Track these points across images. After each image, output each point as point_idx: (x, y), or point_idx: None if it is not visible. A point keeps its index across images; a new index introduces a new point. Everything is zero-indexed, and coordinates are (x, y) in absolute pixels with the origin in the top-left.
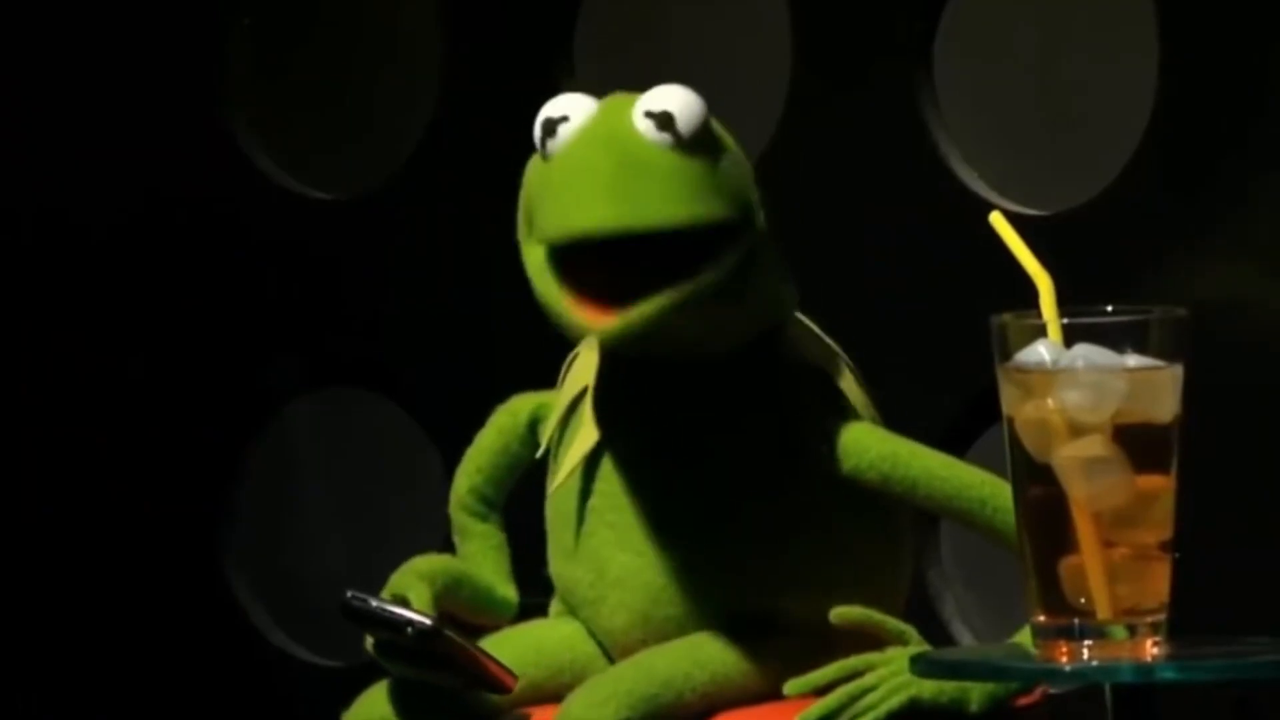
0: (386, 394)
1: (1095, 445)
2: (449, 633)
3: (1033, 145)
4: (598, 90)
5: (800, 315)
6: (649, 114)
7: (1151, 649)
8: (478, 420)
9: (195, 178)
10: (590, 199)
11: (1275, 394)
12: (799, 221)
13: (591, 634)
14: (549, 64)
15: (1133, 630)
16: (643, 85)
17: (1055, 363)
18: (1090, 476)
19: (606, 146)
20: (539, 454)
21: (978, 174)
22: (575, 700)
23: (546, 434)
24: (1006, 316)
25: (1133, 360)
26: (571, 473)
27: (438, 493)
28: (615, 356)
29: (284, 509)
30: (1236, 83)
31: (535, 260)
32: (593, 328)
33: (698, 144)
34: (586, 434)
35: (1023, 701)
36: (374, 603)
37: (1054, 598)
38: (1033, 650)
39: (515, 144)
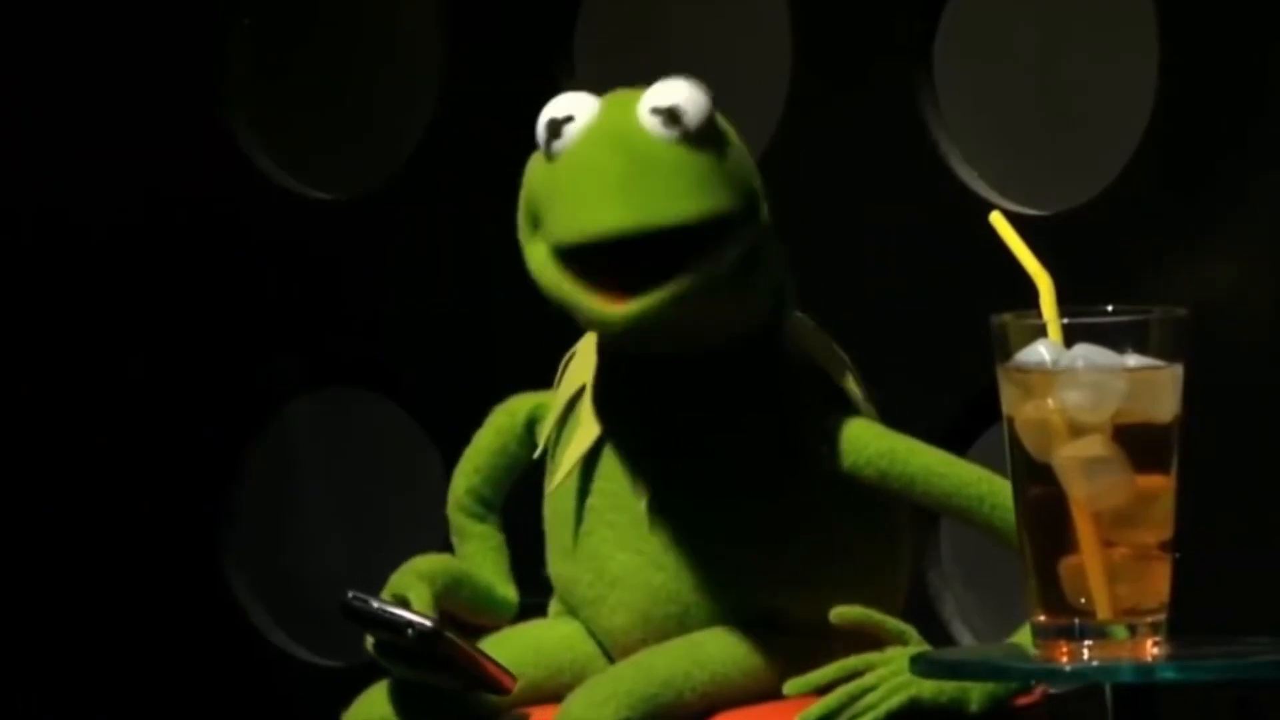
0: (386, 394)
1: (1095, 445)
2: (449, 634)
3: (1033, 145)
4: (598, 90)
5: (799, 313)
6: (655, 110)
7: (1151, 649)
8: (478, 420)
9: (195, 178)
10: (602, 200)
11: (1275, 394)
12: (799, 221)
13: (591, 634)
14: (549, 64)
15: (1133, 630)
16: (643, 85)
17: (1055, 363)
18: (1090, 476)
19: (614, 146)
20: (537, 454)
21: (978, 174)
22: (575, 700)
23: (544, 434)
24: (1006, 316)
25: (1133, 360)
26: (570, 472)
27: (438, 493)
28: (614, 355)
29: (284, 509)
30: (1236, 83)
31: (539, 256)
32: (606, 316)
33: (704, 137)
34: (585, 433)
35: (1023, 701)
36: (374, 603)
37: (1054, 598)
38: (1032, 650)
39: (515, 144)
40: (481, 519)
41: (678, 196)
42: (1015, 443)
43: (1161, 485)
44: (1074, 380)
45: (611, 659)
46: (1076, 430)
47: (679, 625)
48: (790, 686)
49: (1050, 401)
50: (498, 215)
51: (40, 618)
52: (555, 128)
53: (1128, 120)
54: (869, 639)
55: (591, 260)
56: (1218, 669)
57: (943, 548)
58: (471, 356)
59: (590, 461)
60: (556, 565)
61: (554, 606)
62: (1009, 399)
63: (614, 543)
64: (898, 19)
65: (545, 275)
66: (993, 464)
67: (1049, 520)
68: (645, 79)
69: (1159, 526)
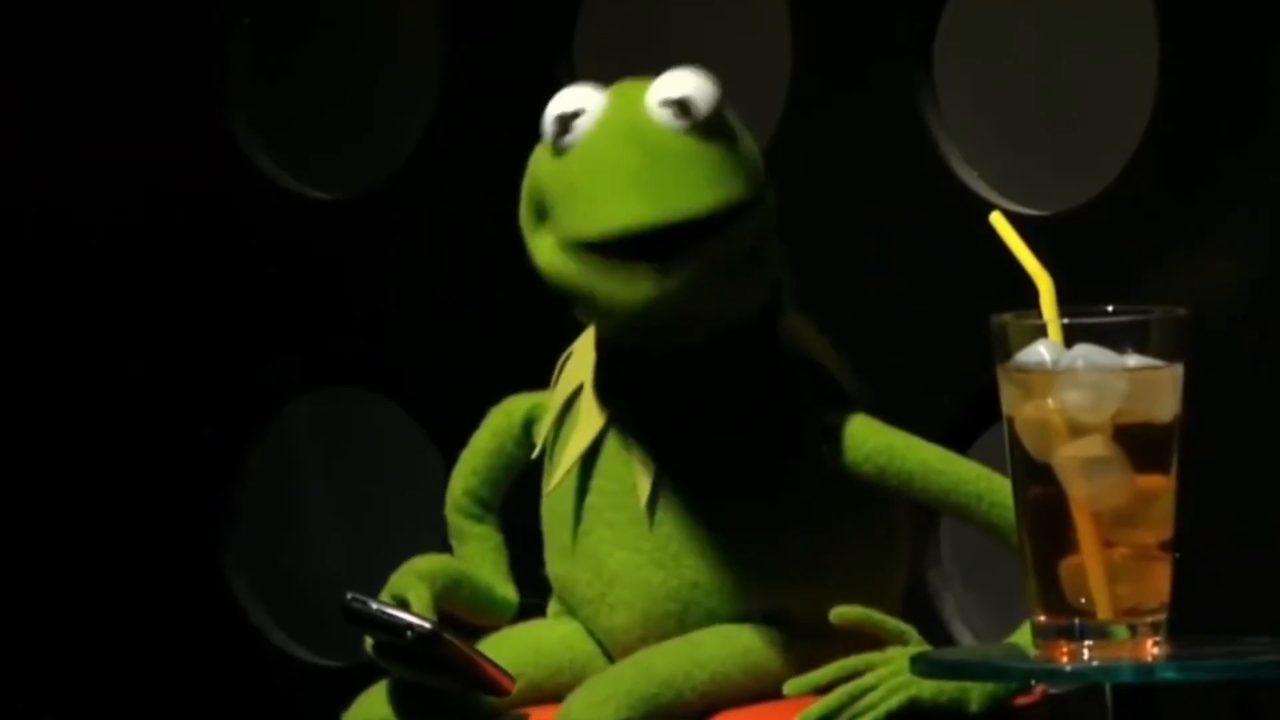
0: (386, 394)
1: (1095, 445)
2: (448, 636)
3: (1033, 145)
4: None
5: (796, 312)
6: (666, 102)
7: (1152, 649)
8: (477, 420)
9: (195, 178)
10: (619, 196)
11: (1275, 394)
12: (799, 221)
13: (590, 633)
14: (549, 64)
15: (1133, 630)
16: (647, 77)
17: (1055, 363)
18: (1090, 476)
19: (627, 140)
20: (535, 455)
21: (978, 174)
22: (575, 700)
23: (542, 434)
24: (1006, 316)
25: (1133, 360)
26: (569, 471)
27: (438, 493)
28: (612, 352)
29: (284, 509)
30: (1236, 83)
31: (546, 247)
32: (623, 301)
33: (714, 126)
34: (583, 432)
35: (1023, 701)
36: (373, 605)
37: (1054, 598)
38: (1032, 650)
39: (515, 144)
40: (480, 520)
41: (693, 188)
42: (1015, 443)
43: (1161, 485)
44: (1074, 380)
45: (611, 658)
46: (1076, 430)
47: (678, 623)
48: (790, 686)
49: (1050, 401)
50: (498, 215)
51: (40, 618)
52: (564, 122)
53: (1128, 120)
54: (869, 639)
55: (606, 252)
56: (1218, 669)
57: (943, 548)
58: (471, 356)
59: (589, 460)
60: (555, 565)
61: (553, 607)
62: (1009, 399)
63: (613, 541)
64: (898, 19)
65: (554, 266)
66: (993, 464)
67: (1049, 520)
68: (645, 79)
69: (1159, 526)
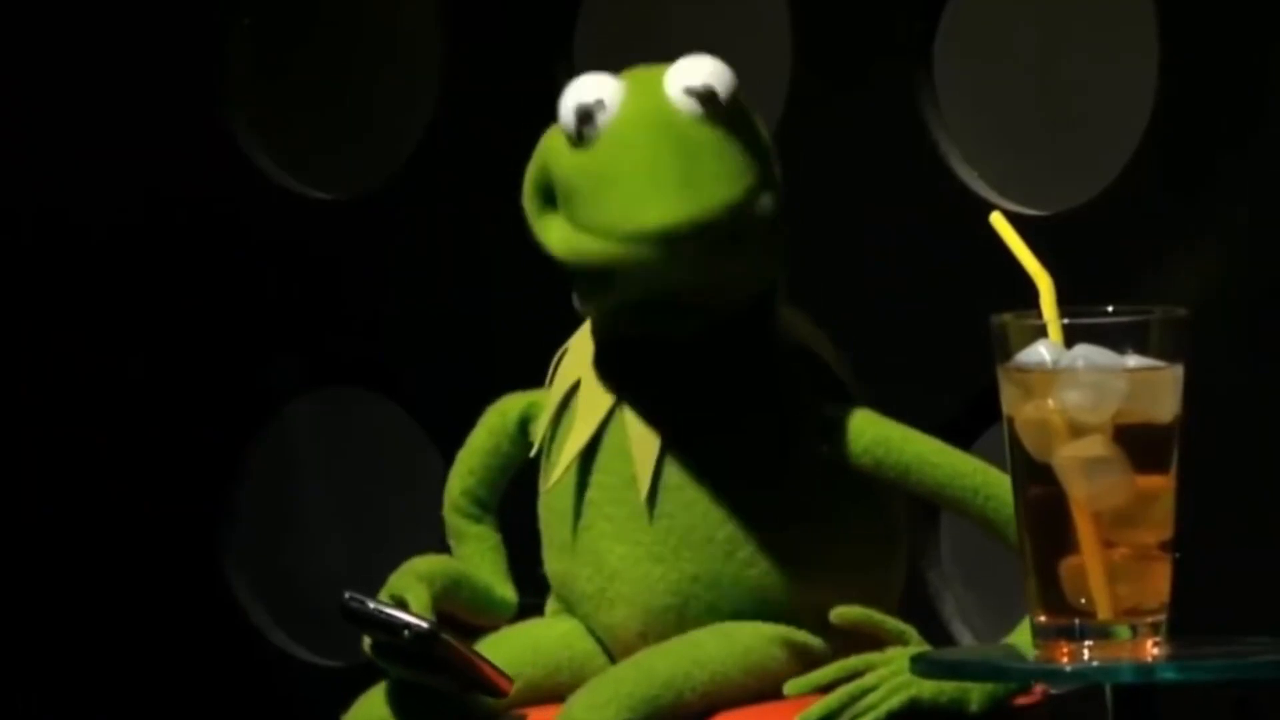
0: (386, 394)
1: (1095, 445)
2: (446, 636)
3: (1033, 145)
4: None
5: (791, 307)
6: (690, 90)
7: (1152, 649)
8: (477, 420)
9: (195, 178)
10: (658, 192)
11: (1275, 394)
12: (799, 221)
13: (589, 631)
14: (549, 64)
15: (1133, 630)
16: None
17: (1055, 363)
18: (1090, 476)
19: (656, 132)
20: (533, 453)
21: (978, 174)
22: (576, 702)
23: (538, 432)
24: (1006, 316)
25: (1133, 360)
26: (568, 468)
27: (437, 493)
28: (611, 345)
29: (284, 509)
30: (1236, 83)
31: (558, 230)
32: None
33: (734, 111)
34: (582, 428)
35: (1023, 701)
36: (372, 604)
37: (1054, 598)
38: (1032, 650)
39: (515, 144)
40: (478, 520)
41: (725, 179)
42: (1015, 443)
43: (1161, 485)
44: (1074, 380)
45: (610, 656)
46: (1077, 430)
47: (678, 617)
48: (790, 686)
49: (1050, 401)
50: (498, 215)
51: (40, 618)
52: (586, 112)
53: (1128, 120)
54: (869, 639)
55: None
56: (1218, 669)
57: (943, 548)
58: (471, 356)
59: (588, 455)
60: (554, 562)
61: (551, 605)
62: (1009, 399)
63: (613, 536)
64: (898, 19)
65: (569, 246)
66: (992, 464)
67: (1049, 520)
68: (656, 65)
69: (1159, 526)
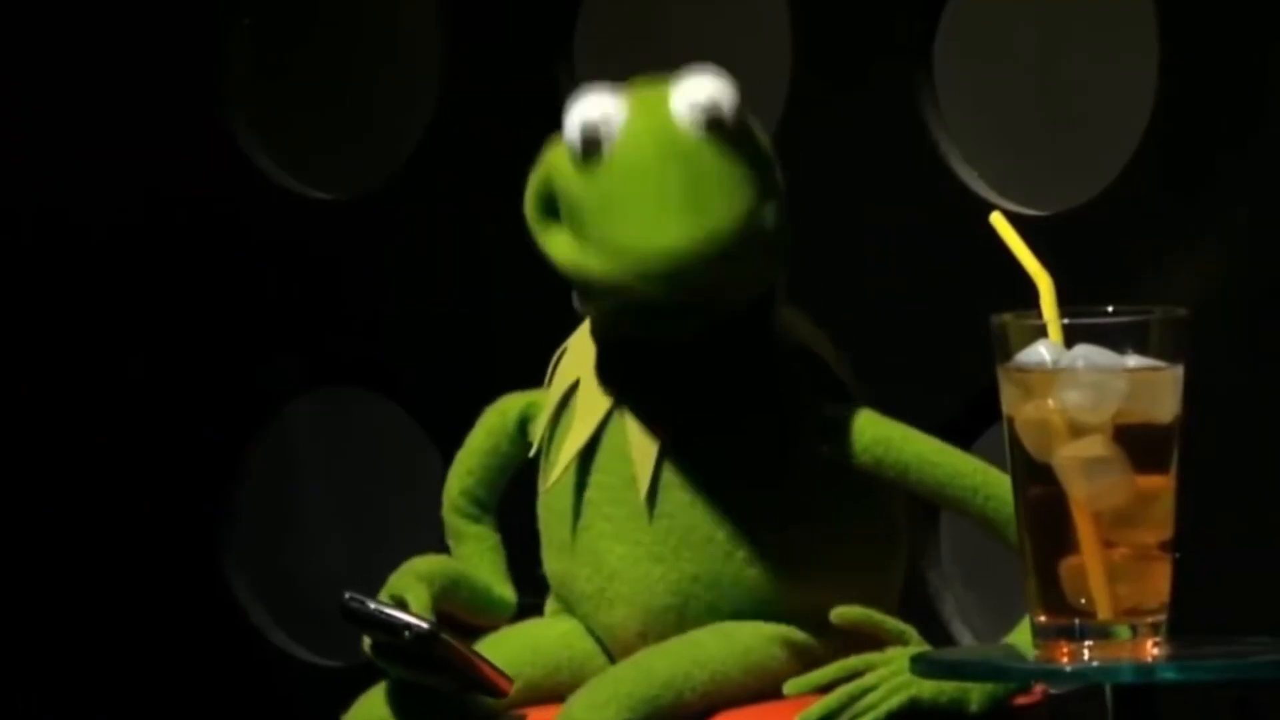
0: (386, 394)
1: (1095, 445)
2: (446, 636)
3: (1033, 145)
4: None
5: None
6: (695, 109)
7: (1152, 649)
8: (477, 420)
9: (195, 178)
10: (667, 215)
11: (1275, 394)
12: (799, 221)
13: (589, 630)
14: (549, 64)
15: (1133, 630)
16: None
17: (1055, 363)
18: (1090, 476)
19: (664, 154)
20: (532, 453)
21: (978, 174)
22: (576, 703)
23: (538, 432)
24: (1006, 316)
25: (1133, 360)
26: (567, 467)
27: (437, 493)
28: (611, 345)
29: (284, 509)
30: (1236, 83)
31: (563, 244)
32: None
33: (739, 128)
34: (581, 427)
35: (1023, 701)
36: (371, 605)
37: (1054, 598)
38: (1032, 650)
39: (515, 144)
40: (477, 520)
41: (731, 197)
42: (1015, 443)
43: (1161, 485)
44: (1074, 380)
45: (609, 655)
46: (1077, 430)
47: (677, 616)
48: (790, 686)
49: (1050, 401)
50: (498, 215)
51: (40, 618)
52: (592, 131)
53: (1128, 120)
54: (869, 639)
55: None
56: (1218, 669)
57: (943, 548)
58: (471, 356)
59: (587, 455)
60: (554, 562)
61: (550, 605)
62: (1009, 399)
63: (612, 536)
64: (898, 19)
65: (573, 260)
66: (992, 464)
67: (1049, 520)
68: (657, 80)
69: (1159, 526)
